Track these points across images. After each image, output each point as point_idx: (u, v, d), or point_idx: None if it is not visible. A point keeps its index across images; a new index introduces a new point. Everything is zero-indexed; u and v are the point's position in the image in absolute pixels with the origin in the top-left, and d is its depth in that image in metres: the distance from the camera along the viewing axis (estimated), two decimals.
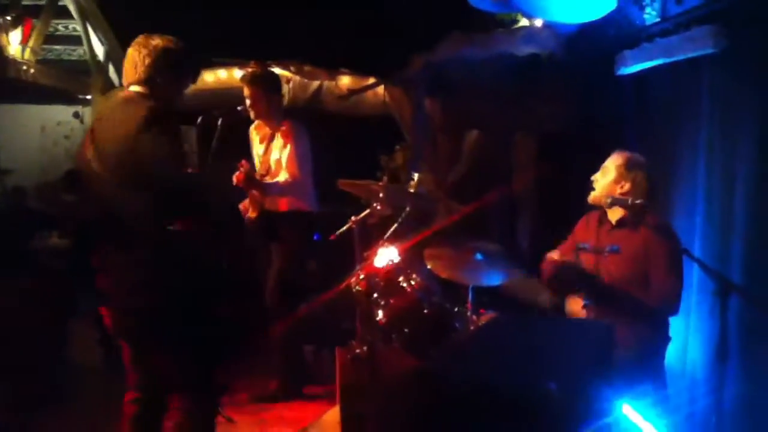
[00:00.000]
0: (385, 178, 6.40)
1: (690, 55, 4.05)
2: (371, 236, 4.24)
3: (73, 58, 8.01)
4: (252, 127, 4.88)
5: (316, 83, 6.85)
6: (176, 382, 2.99)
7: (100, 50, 7.28)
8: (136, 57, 2.97)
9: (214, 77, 6.86)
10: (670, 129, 4.39)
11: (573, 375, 2.59)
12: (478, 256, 3.96)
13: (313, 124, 4.97)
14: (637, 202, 3.53)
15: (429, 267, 4.05)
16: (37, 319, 5.09)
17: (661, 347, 3.65)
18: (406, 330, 3.74)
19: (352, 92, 6.70)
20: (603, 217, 3.81)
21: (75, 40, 7.60)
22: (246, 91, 4.63)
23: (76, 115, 8.50)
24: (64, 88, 7.60)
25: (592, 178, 3.77)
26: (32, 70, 6.62)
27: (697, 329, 3.97)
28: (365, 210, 4.26)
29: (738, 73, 3.80)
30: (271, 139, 4.72)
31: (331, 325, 5.15)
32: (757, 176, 3.64)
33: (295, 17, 6.94)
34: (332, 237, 4.32)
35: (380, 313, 3.81)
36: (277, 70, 5.92)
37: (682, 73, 4.24)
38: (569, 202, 4.11)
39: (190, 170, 3.08)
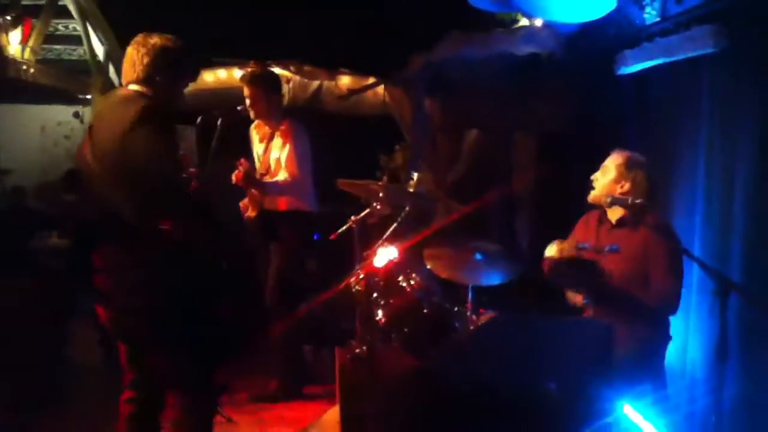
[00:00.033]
0: (384, 178, 6.40)
1: (690, 54, 4.05)
2: (371, 236, 4.23)
3: (73, 57, 8.00)
4: (252, 127, 4.88)
5: (315, 83, 6.85)
6: (174, 380, 2.98)
7: (100, 50, 7.27)
8: (135, 56, 2.97)
9: (213, 77, 6.86)
10: (670, 128, 4.39)
11: (572, 374, 2.60)
12: (478, 256, 3.95)
13: (313, 124, 4.97)
14: (637, 201, 3.52)
15: (429, 267, 4.04)
16: (36, 319, 5.08)
17: (661, 347, 3.65)
18: (405, 330, 3.74)
19: (352, 92, 6.69)
20: (603, 217, 3.81)
21: (75, 40, 7.60)
22: (246, 91, 4.64)
23: (76, 115, 8.49)
24: (64, 88, 7.59)
25: (592, 177, 3.77)
26: (32, 70, 6.61)
27: (696, 329, 3.97)
28: (365, 210, 4.26)
29: (738, 72, 3.80)
30: (271, 138, 4.73)
31: (331, 325, 5.15)
32: (757, 176, 3.64)
33: (295, 17, 6.93)
34: (332, 237, 4.31)
35: (380, 313, 3.81)
36: (277, 70, 5.92)
37: (682, 72, 4.24)
38: (569, 201, 4.10)
39: (192, 170, 3.07)
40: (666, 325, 3.65)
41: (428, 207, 5.53)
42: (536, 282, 4.24)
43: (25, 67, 6.52)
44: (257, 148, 4.85)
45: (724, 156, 3.87)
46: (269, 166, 4.71)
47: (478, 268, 3.96)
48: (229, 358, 4.25)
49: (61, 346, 5.33)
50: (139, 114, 2.80)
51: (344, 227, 4.24)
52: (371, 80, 6.69)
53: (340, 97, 6.74)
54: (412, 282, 3.90)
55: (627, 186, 3.64)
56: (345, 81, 6.82)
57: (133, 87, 2.98)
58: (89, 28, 7.17)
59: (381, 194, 4.14)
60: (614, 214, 3.73)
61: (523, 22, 5.54)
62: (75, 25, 7.29)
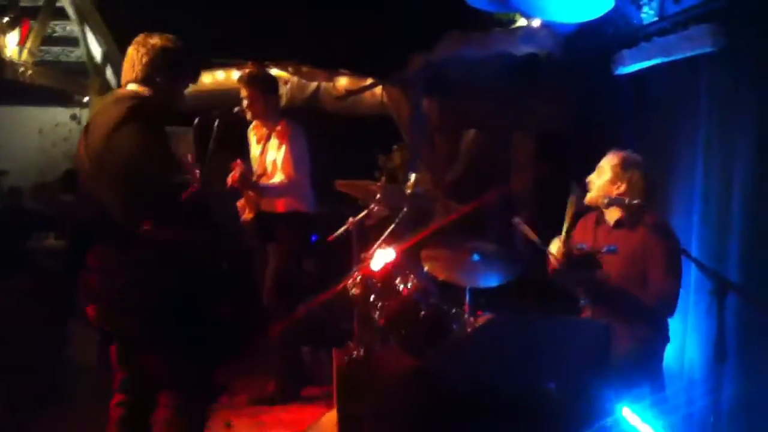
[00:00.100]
0: (382, 179, 6.39)
1: (688, 54, 4.05)
2: (369, 237, 4.23)
3: (71, 59, 7.97)
4: (250, 128, 4.87)
5: (314, 84, 6.84)
6: (168, 380, 2.98)
7: (97, 52, 7.24)
8: (135, 56, 2.98)
9: (211, 78, 6.86)
10: (668, 128, 4.38)
11: (571, 375, 2.59)
12: (476, 257, 3.95)
13: (311, 125, 4.96)
14: (635, 202, 3.51)
15: (426, 268, 4.03)
16: (35, 319, 5.08)
17: (660, 348, 3.64)
18: (403, 331, 3.73)
19: (350, 93, 6.69)
20: (600, 218, 3.79)
21: (73, 42, 7.58)
22: (243, 92, 4.63)
23: (73, 117, 8.48)
24: (61, 90, 7.58)
25: (588, 179, 3.75)
26: (30, 72, 6.59)
27: (694, 329, 3.97)
28: (363, 210, 4.25)
29: (736, 72, 3.80)
30: (268, 139, 4.72)
31: (329, 327, 5.14)
32: (755, 175, 3.63)
33: (293, 18, 6.93)
34: (330, 239, 4.30)
35: (377, 315, 3.80)
36: (275, 71, 5.93)
37: (680, 72, 4.23)
38: (568, 201, 4.09)
39: (196, 171, 3.07)
40: (664, 327, 3.64)
41: (426, 207, 5.52)
42: (534, 283, 4.24)
43: (22, 68, 6.50)
44: (254, 150, 4.84)
45: (722, 156, 3.86)
46: (266, 168, 4.70)
47: (476, 270, 3.95)
48: (226, 358, 4.24)
49: (60, 346, 5.32)
50: (125, 113, 2.81)
51: (342, 229, 4.24)
52: (369, 81, 6.69)
53: (338, 97, 6.74)
54: (410, 284, 3.89)
55: (623, 187, 3.62)
56: (343, 82, 6.81)
57: (132, 87, 2.99)
58: (87, 30, 7.15)
59: (379, 195, 4.14)
60: (612, 215, 3.72)
61: (521, 22, 5.54)
62: (73, 27, 7.26)
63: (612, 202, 3.61)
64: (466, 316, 3.81)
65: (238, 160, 4.46)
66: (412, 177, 4.26)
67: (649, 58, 4.40)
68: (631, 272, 3.58)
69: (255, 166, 4.79)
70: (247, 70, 5.01)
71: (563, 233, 3.70)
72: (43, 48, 7.16)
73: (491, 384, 2.81)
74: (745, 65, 3.74)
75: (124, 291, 2.85)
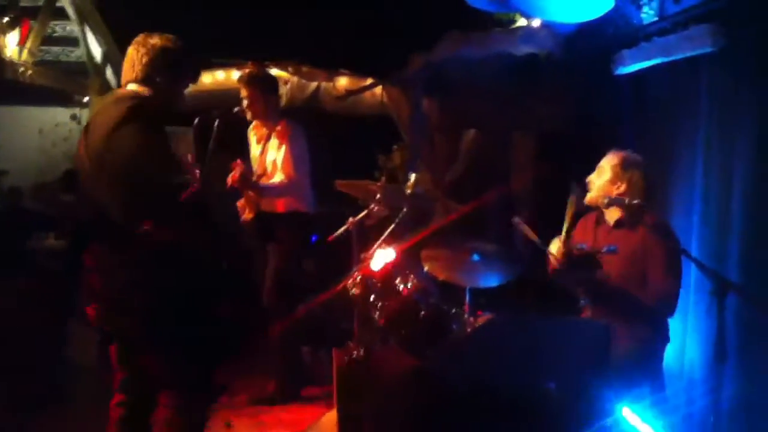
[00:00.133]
0: (382, 178, 6.39)
1: (688, 54, 4.04)
2: (369, 237, 4.23)
3: (71, 59, 7.97)
4: (250, 128, 4.87)
5: (314, 84, 6.84)
6: (167, 380, 2.98)
7: (97, 52, 7.24)
8: (135, 56, 2.99)
9: (211, 78, 6.86)
10: (668, 128, 4.38)
11: (570, 375, 2.59)
12: (475, 257, 3.94)
13: (311, 125, 4.96)
14: (635, 202, 3.51)
15: (426, 268, 4.03)
16: (35, 319, 5.08)
17: (660, 348, 3.63)
18: (402, 332, 3.73)
19: (350, 93, 6.69)
20: (600, 218, 3.79)
21: (73, 42, 7.57)
22: (243, 92, 4.63)
23: (73, 117, 8.48)
24: (61, 90, 7.58)
25: (588, 179, 3.75)
26: (30, 72, 6.59)
27: (694, 329, 3.96)
28: (363, 210, 4.25)
29: (736, 72, 3.79)
30: (268, 139, 4.72)
31: (329, 327, 5.14)
32: (755, 175, 3.63)
33: (293, 18, 6.93)
34: (330, 239, 4.30)
35: (377, 315, 3.80)
36: (275, 71, 5.93)
37: (680, 72, 4.23)
38: (568, 201, 4.09)
39: (196, 171, 3.07)
40: (664, 327, 3.64)
41: (426, 207, 5.52)
42: (534, 283, 4.24)
43: (22, 68, 6.50)
44: (254, 150, 4.84)
45: (722, 155, 3.86)
46: (266, 168, 4.70)
47: (476, 270, 3.94)
48: (226, 358, 4.24)
49: (60, 346, 5.33)
50: (125, 113, 2.82)
51: (342, 229, 4.24)
52: (369, 81, 6.69)
53: (338, 97, 6.74)
54: (410, 284, 3.89)
55: (623, 187, 3.62)
56: (343, 82, 6.81)
57: (132, 87, 2.99)
58: (87, 30, 7.15)
59: (379, 195, 4.14)
60: (612, 215, 3.71)
61: (521, 22, 5.54)
62: (73, 27, 7.26)
63: (612, 202, 3.60)
64: (466, 316, 3.81)
65: (238, 160, 4.46)
66: (412, 177, 4.26)
67: (649, 58, 4.39)
68: (631, 272, 3.58)
69: (255, 166, 4.79)
70: (247, 70, 5.01)
71: (563, 233, 3.70)
72: (43, 48, 7.15)
73: (491, 384, 2.81)
74: (745, 65, 3.74)
75: (123, 291, 2.85)
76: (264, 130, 4.76)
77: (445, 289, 3.97)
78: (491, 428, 2.97)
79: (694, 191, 4.05)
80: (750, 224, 3.63)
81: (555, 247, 3.71)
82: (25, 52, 6.55)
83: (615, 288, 3.60)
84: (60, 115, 8.79)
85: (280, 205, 4.67)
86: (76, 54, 7.72)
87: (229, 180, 4.41)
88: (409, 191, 4.17)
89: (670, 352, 3.73)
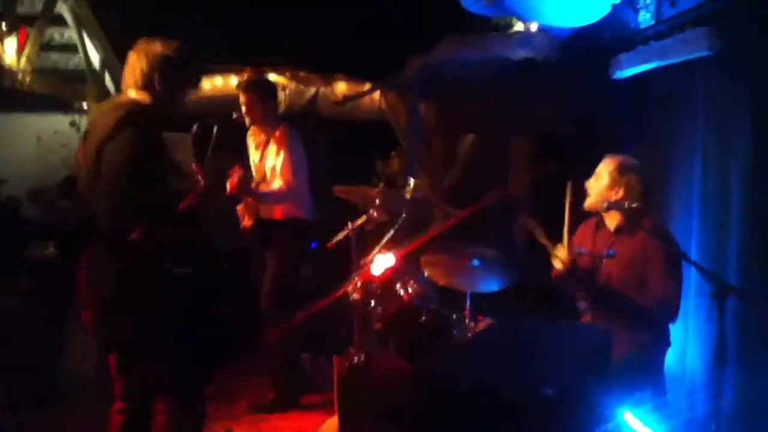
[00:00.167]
0: (381, 184, 6.39)
1: (685, 57, 4.04)
2: (368, 243, 4.22)
3: (69, 66, 7.98)
4: (248, 134, 4.87)
5: (312, 89, 6.84)
6: (161, 386, 2.99)
7: (95, 58, 7.26)
8: (135, 62, 2.99)
9: (210, 84, 6.85)
10: (666, 131, 4.38)
11: (571, 380, 2.58)
12: (475, 262, 3.95)
13: (310, 130, 4.96)
14: (634, 205, 3.51)
15: (426, 274, 4.03)
16: (35, 319, 5.08)
17: (661, 353, 3.63)
18: (403, 337, 3.73)
19: (348, 98, 6.69)
20: (600, 223, 3.79)
21: (71, 49, 7.59)
22: (241, 98, 4.63)
23: (72, 123, 8.48)
24: (60, 97, 7.58)
25: (586, 185, 3.75)
26: (28, 79, 6.60)
27: (695, 333, 3.96)
28: (362, 216, 4.25)
29: (733, 74, 3.79)
30: (266, 145, 4.71)
31: (329, 333, 5.13)
32: (753, 176, 3.62)
33: (291, 24, 6.94)
34: (329, 245, 4.30)
35: (377, 321, 3.80)
36: (273, 77, 5.93)
37: (678, 75, 4.23)
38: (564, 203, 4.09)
39: (199, 179, 3.08)
40: (665, 331, 3.64)
41: (425, 212, 5.52)
42: (535, 287, 4.23)
43: (20, 75, 6.51)
44: (253, 156, 4.84)
45: (720, 157, 3.86)
46: (265, 174, 4.70)
47: (476, 275, 3.95)
48: (221, 365, 4.24)
49: (61, 347, 5.32)
50: (120, 120, 2.83)
51: (341, 235, 4.23)
52: (367, 86, 6.69)
53: (336, 103, 6.74)
54: (410, 289, 3.89)
55: (621, 192, 3.62)
56: (341, 87, 6.81)
57: (131, 93, 3.00)
58: (85, 37, 7.16)
59: (378, 200, 4.13)
60: (612, 221, 3.71)
61: (519, 26, 5.55)
62: (71, 34, 7.28)
63: (611, 206, 3.61)
64: (466, 321, 3.81)
65: (237, 167, 4.45)
66: (411, 182, 4.26)
67: (646, 62, 4.39)
68: (631, 277, 3.58)
69: (254, 172, 4.78)
70: (245, 76, 5.01)
71: (565, 236, 3.70)
72: (41, 55, 7.15)
73: (492, 389, 2.80)
74: (741, 67, 3.74)
75: (112, 298, 2.86)
76: (262, 136, 4.76)
77: (446, 295, 3.97)
78: None
79: (693, 193, 4.05)
80: (749, 225, 3.62)
81: (562, 252, 3.72)
82: (23, 59, 6.55)
83: (615, 292, 3.60)
84: (58, 122, 8.77)
85: (278, 212, 4.66)
86: (74, 61, 7.72)
87: (228, 186, 4.40)
88: (408, 196, 4.17)
89: (671, 357, 3.73)
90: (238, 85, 4.74)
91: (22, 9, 6.83)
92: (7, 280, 5.32)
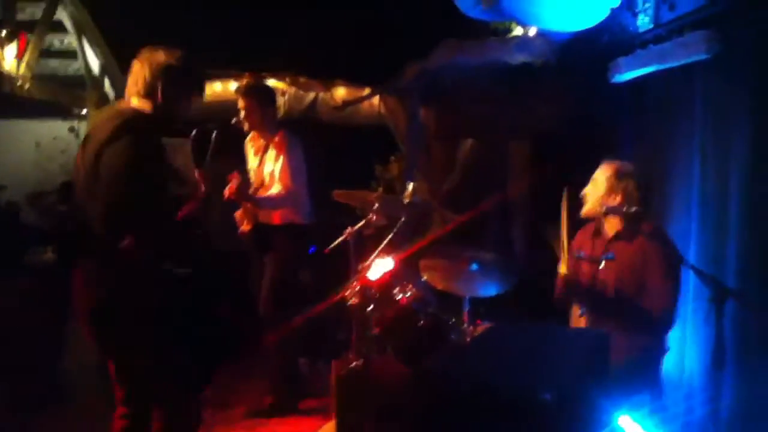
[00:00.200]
0: (380, 189, 6.39)
1: (683, 61, 4.04)
2: (367, 247, 4.22)
3: (69, 72, 7.98)
4: (247, 140, 4.87)
5: (311, 95, 6.84)
6: (153, 393, 3.01)
7: (95, 64, 7.26)
8: (138, 71, 3.01)
9: (209, 90, 6.86)
10: (664, 134, 4.38)
11: (569, 384, 2.57)
12: (474, 267, 3.95)
13: (309, 135, 4.96)
14: (633, 210, 3.52)
15: (424, 278, 4.03)
16: (35, 319, 5.09)
17: (659, 357, 3.63)
18: (401, 342, 3.72)
19: (347, 103, 6.69)
20: (599, 229, 3.79)
21: (70, 55, 7.58)
22: (240, 103, 4.63)
23: (71, 130, 8.49)
24: (59, 103, 7.58)
25: (583, 192, 3.75)
26: (27, 85, 6.60)
27: (693, 337, 3.95)
28: (361, 220, 4.25)
29: (731, 77, 3.79)
30: (265, 151, 4.71)
31: (327, 338, 5.13)
32: (751, 179, 3.62)
33: (291, 30, 6.95)
34: (326, 250, 4.30)
35: (375, 325, 3.79)
36: (272, 82, 5.94)
37: (676, 78, 4.23)
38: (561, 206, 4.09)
39: (201, 188, 3.09)
40: (663, 335, 3.64)
41: (424, 217, 5.52)
42: (533, 291, 4.23)
43: (20, 82, 6.50)
44: (252, 161, 4.84)
45: (719, 160, 3.86)
46: (263, 179, 4.70)
47: (474, 279, 3.95)
48: (220, 369, 4.22)
49: (61, 346, 5.33)
50: (118, 128, 2.84)
51: (340, 239, 4.23)
52: (366, 91, 6.70)
53: (336, 108, 6.74)
54: (408, 294, 3.88)
55: (619, 198, 3.63)
56: (340, 92, 6.81)
57: (134, 101, 3.02)
58: (85, 43, 7.17)
59: (376, 205, 4.13)
60: (611, 227, 3.71)
61: (517, 31, 5.55)
62: (70, 40, 7.28)
63: (610, 211, 3.61)
64: (465, 325, 3.81)
65: (235, 173, 4.45)
66: (410, 186, 4.26)
67: (644, 66, 4.39)
68: (630, 281, 3.58)
69: (252, 177, 4.78)
70: (244, 82, 5.01)
71: (564, 249, 3.71)
72: (41, 61, 7.16)
73: (491, 393, 2.80)
74: (739, 70, 3.74)
75: (104, 305, 2.87)
76: (261, 142, 4.76)
77: (444, 299, 3.97)
78: None
79: (692, 196, 4.05)
80: (748, 227, 3.62)
81: (562, 268, 3.73)
82: (23, 65, 6.55)
83: (614, 297, 3.60)
84: (58, 128, 8.78)
85: (277, 217, 4.66)
86: (73, 67, 7.72)
87: (227, 192, 4.40)
88: (406, 201, 4.17)
89: (669, 360, 3.72)
90: (237, 90, 4.73)
91: (22, 15, 6.84)
92: (7, 280, 5.33)
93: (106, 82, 7.31)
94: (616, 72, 4.67)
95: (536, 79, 5.26)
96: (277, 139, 4.68)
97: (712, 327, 3.05)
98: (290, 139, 4.68)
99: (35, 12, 6.88)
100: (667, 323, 3.58)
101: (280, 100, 6.52)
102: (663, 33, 4.28)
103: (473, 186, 5.90)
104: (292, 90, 6.77)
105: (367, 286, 3.88)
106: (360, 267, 3.95)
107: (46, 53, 7.36)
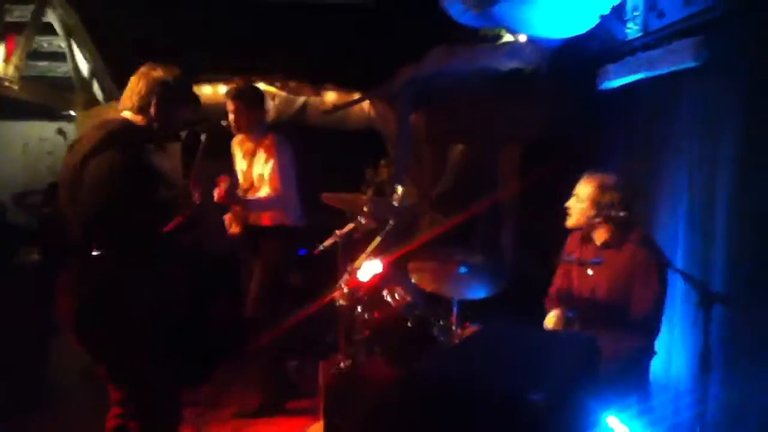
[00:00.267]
0: (369, 192, 6.40)
1: (672, 68, 4.08)
2: (356, 250, 4.23)
3: (57, 74, 7.96)
4: (234, 142, 4.86)
5: (301, 98, 6.85)
6: (136, 401, 3.04)
7: (84, 67, 7.25)
8: (134, 86, 3.07)
9: (199, 93, 6.85)
10: (653, 140, 4.41)
11: (557, 386, 2.58)
12: (463, 269, 3.96)
13: (299, 139, 4.96)
14: (621, 214, 3.54)
15: (413, 280, 4.04)
16: (33, 320, 5.07)
17: (646, 360, 3.64)
18: (389, 343, 3.72)
19: (337, 107, 6.71)
20: (587, 236, 3.80)
21: (59, 57, 7.56)
22: (228, 106, 4.63)
23: (59, 131, 8.46)
24: (47, 105, 7.56)
25: (566, 204, 3.76)
26: (16, 87, 6.58)
27: (681, 340, 3.97)
28: (349, 223, 4.25)
29: (719, 84, 3.83)
30: (254, 153, 4.71)
31: (315, 339, 5.12)
32: (739, 185, 3.65)
33: (281, 34, 6.95)
34: (315, 252, 4.30)
35: (364, 327, 3.79)
36: (262, 86, 5.93)
37: (665, 85, 4.27)
38: (554, 213, 4.11)
39: (196, 197, 3.12)
40: (651, 339, 3.65)
41: (413, 220, 5.53)
42: (522, 294, 4.24)
43: (8, 83, 6.48)
44: (241, 164, 4.83)
45: (707, 166, 3.89)
46: (252, 182, 4.69)
47: (463, 282, 3.96)
48: (210, 370, 4.22)
49: (57, 347, 5.30)
50: (102, 139, 2.91)
51: (329, 241, 4.24)
52: (356, 95, 6.72)
53: (325, 111, 6.76)
54: (396, 296, 3.89)
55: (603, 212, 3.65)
56: (330, 96, 6.83)
57: (126, 114, 3.07)
58: (74, 45, 7.15)
59: (365, 208, 4.14)
60: (599, 236, 3.72)
61: (507, 38, 5.58)
62: (59, 42, 7.26)
63: (598, 215, 3.63)
64: (453, 327, 3.82)
65: (224, 176, 4.44)
66: (399, 189, 4.27)
67: (633, 73, 4.43)
68: (618, 286, 3.60)
69: (241, 179, 4.78)
70: (233, 85, 5.02)
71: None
72: (29, 63, 7.13)
73: (480, 395, 2.80)
74: (727, 78, 3.78)
75: (84, 307, 2.91)
76: (250, 144, 4.76)
77: (433, 301, 3.97)
78: None
79: (680, 202, 4.08)
80: (734, 233, 3.65)
81: (552, 321, 3.75)
82: (11, 66, 6.53)
83: (602, 302, 3.62)
84: (45, 129, 8.76)
85: (267, 219, 4.66)
86: (62, 69, 7.69)
87: (216, 195, 4.40)
88: (395, 204, 4.18)
89: (656, 363, 3.74)
90: (226, 94, 4.73)
91: (10, 17, 6.82)
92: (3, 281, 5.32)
93: (95, 85, 7.31)
94: (605, 79, 4.71)
95: (526, 85, 5.29)
96: (266, 142, 4.67)
97: (700, 331, 3.08)
98: (281, 143, 4.68)
99: (24, 14, 6.86)
100: (654, 328, 3.59)
101: (270, 104, 6.52)
102: (652, 41, 4.32)
103: (463, 189, 5.92)
104: (283, 94, 6.78)
105: (355, 288, 3.89)
106: (349, 269, 3.96)
107: (35, 55, 7.34)
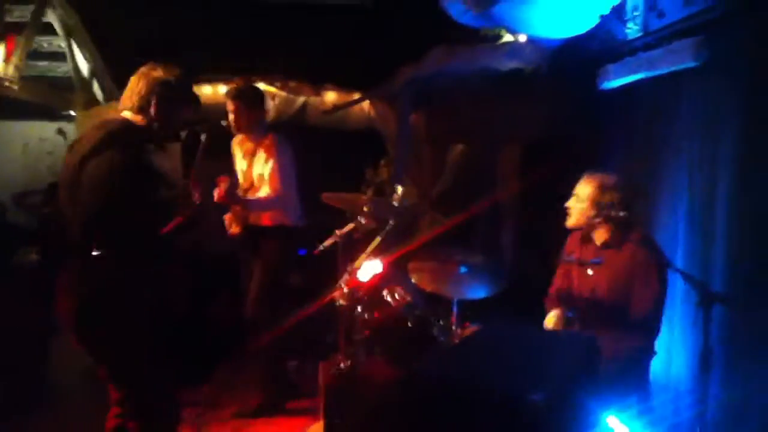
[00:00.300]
0: (369, 192, 6.40)
1: (672, 68, 4.08)
2: (356, 250, 4.23)
3: (57, 74, 7.96)
4: (234, 142, 4.86)
5: (301, 98, 6.85)
6: (136, 401, 3.04)
7: (84, 67, 7.25)
8: (135, 86, 3.07)
9: (199, 93, 6.85)
10: (653, 140, 4.41)
11: (558, 386, 2.58)
12: (463, 269, 3.96)
13: (299, 139, 4.96)
14: (621, 214, 3.54)
15: (413, 280, 4.04)
16: (32, 320, 5.08)
17: (646, 360, 3.64)
18: (389, 343, 3.72)
19: (337, 107, 6.71)
20: (587, 236, 3.80)
21: (59, 57, 7.57)
22: (229, 106, 4.63)
23: (59, 131, 8.46)
24: (47, 105, 7.56)
25: (566, 205, 3.76)
26: (16, 87, 6.58)
27: (681, 340, 3.97)
28: (349, 223, 4.25)
29: (719, 84, 3.83)
30: (254, 153, 4.71)
31: (315, 339, 5.12)
32: (739, 185, 3.65)
33: (281, 34, 6.95)
34: (315, 252, 4.30)
35: (364, 327, 3.79)
36: (262, 86, 5.93)
37: (665, 85, 4.27)
38: (554, 213, 4.11)
39: (196, 199, 3.12)
40: (651, 339, 3.65)
41: (413, 220, 5.53)
42: (522, 294, 4.24)
43: (8, 83, 6.48)
44: (240, 164, 4.83)
45: (707, 166, 3.89)
46: (252, 182, 4.69)
47: (463, 282, 3.96)
48: (209, 370, 4.22)
49: (57, 347, 5.30)
50: (102, 139, 2.91)
51: (329, 241, 4.24)
52: (356, 95, 6.72)
53: (325, 111, 6.76)
54: (396, 296, 3.89)
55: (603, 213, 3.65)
56: (330, 96, 6.83)
57: (126, 114, 3.07)
58: (74, 45, 7.16)
59: (365, 208, 4.14)
60: (599, 236, 3.72)
61: (507, 38, 5.58)
62: (59, 42, 7.26)
63: (598, 215, 3.63)
64: (453, 327, 3.82)
65: (224, 176, 4.44)
66: (399, 189, 4.27)
67: (633, 73, 4.43)
68: (618, 286, 3.60)
69: (241, 179, 4.78)
70: (233, 85, 5.02)
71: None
72: (29, 62, 7.13)
73: (479, 395, 2.81)
74: (727, 78, 3.78)
75: (84, 307, 2.90)
76: (250, 144, 4.75)
77: (433, 301, 3.97)
78: None
79: (680, 201, 4.08)
80: (735, 233, 3.65)
81: (551, 321, 3.74)
82: (12, 66, 6.53)
83: (602, 302, 3.61)
84: (46, 129, 8.76)
85: (267, 219, 4.66)
86: (62, 69, 7.70)
87: (216, 195, 4.40)
88: (395, 204, 4.18)
89: (656, 363, 3.74)
90: (226, 93, 4.73)
91: (11, 17, 6.82)
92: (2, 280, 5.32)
93: (95, 85, 7.31)
94: (605, 79, 4.71)
95: (526, 85, 5.29)
96: (267, 142, 4.67)
97: (700, 331, 3.08)
98: (281, 143, 4.67)
99: (24, 14, 6.86)
100: (654, 328, 3.59)
101: (270, 104, 6.52)
102: (652, 40, 4.32)
103: (463, 189, 5.93)
104: (283, 94, 6.78)
105: (355, 288, 3.88)
106: (349, 269, 3.96)
107: (35, 55, 7.34)
